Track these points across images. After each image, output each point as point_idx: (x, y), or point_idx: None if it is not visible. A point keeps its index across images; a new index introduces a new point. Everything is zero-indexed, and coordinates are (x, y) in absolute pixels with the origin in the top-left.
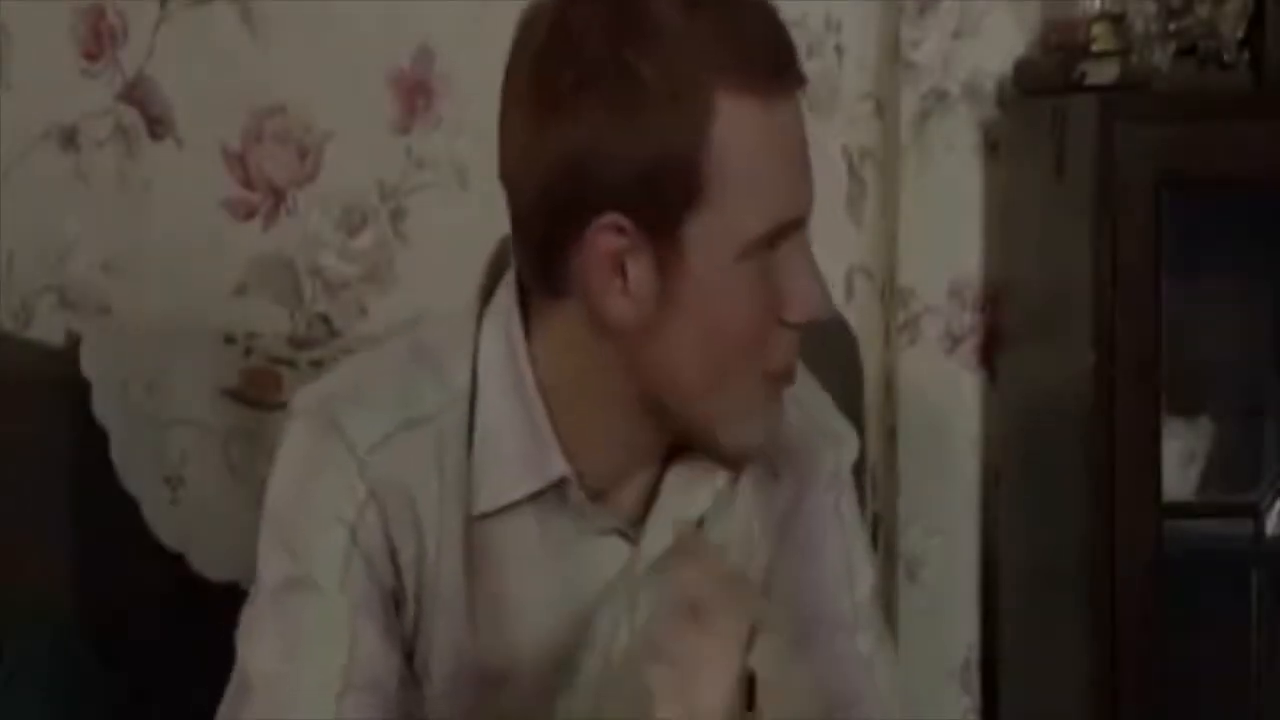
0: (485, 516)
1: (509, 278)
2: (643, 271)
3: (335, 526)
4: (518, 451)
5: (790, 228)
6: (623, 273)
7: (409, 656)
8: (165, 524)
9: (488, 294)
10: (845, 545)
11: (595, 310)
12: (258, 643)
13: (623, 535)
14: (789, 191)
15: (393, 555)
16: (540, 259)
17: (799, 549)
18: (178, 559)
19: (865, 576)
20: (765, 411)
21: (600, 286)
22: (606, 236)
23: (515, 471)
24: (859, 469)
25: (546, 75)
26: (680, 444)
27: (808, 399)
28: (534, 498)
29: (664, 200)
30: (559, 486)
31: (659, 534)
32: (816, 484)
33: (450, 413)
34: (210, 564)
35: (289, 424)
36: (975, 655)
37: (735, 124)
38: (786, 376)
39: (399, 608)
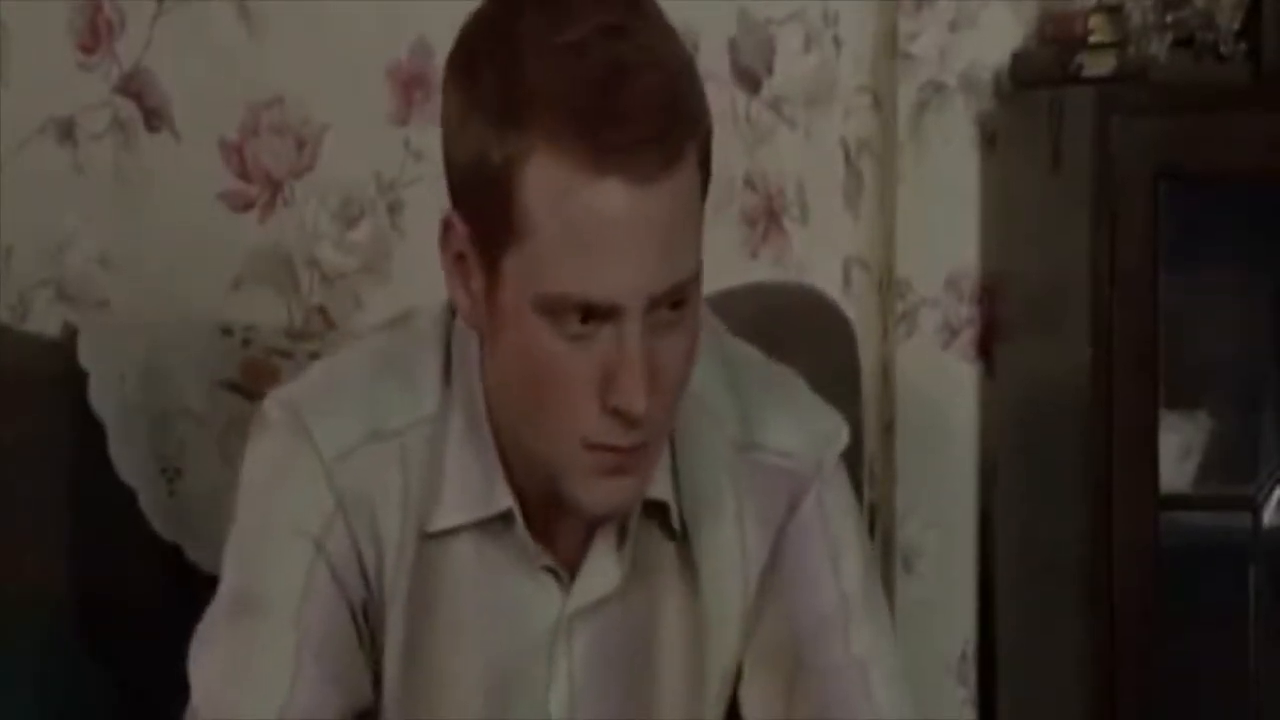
0: (433, 537)
1: None
2: (475, 278)
3: (298, 543)
4: (471, 477)
5: (599, 311)
6: (466, 275)
7: (376, 673)
8: (163, 516)
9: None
10: (828, 541)
11: (452, 300)
12: (206, 657)
13: (556, 577)
14: (589, 270)
15: (361, 564)
16: None
17: (785, 566)
18: (175, 551)
19: (853, 563)
20: (600, 483)
21: (451, 276)
22: (450, 235)
23: (466, 496)
24: (855, 460)
25: (450, 55)
26: None
27: (797, 411)
28: (478, 526)
29: (486, 218)
30: (504, 518)
31: (588, 582)
32: (806, 497)
33: (417, 430)
34: (207, 556)
35: (257, 428)
36: (972, 647)
37: (541, 174)
38: (617, 454)
39: (368, 618)
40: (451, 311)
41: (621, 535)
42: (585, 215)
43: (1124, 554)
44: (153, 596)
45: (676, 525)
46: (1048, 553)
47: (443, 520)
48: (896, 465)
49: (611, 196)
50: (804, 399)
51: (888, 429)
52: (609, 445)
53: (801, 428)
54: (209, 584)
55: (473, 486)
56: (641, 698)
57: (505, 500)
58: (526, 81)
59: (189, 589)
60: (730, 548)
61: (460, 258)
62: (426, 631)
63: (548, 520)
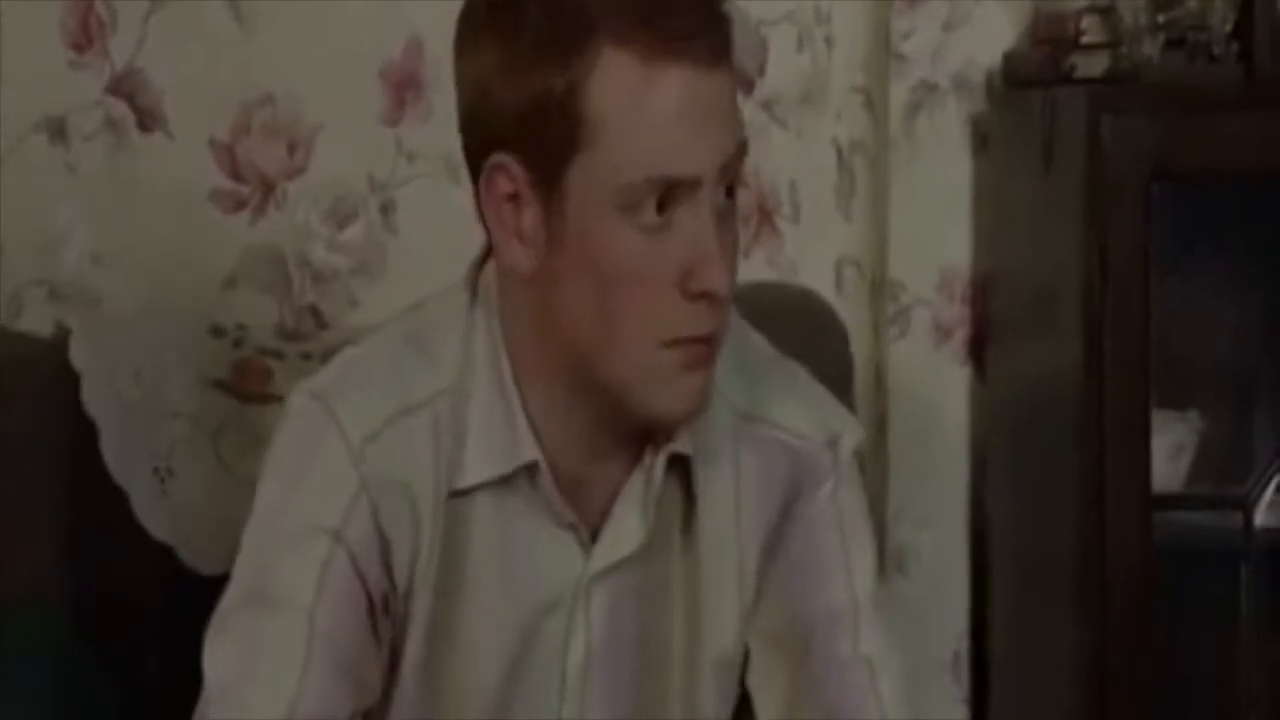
0: (457, 497)
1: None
2: (532, 215)
3: (315, 540)
4: (495, 433)
5: (680, 188)
6: (517, 217)
7: (393, 661)
8: (155, 516)
9: (475, 274)
10: (841, 535)
11: (500, 257)
12: (220, 649)
13: (577, 538)
14: (671, 148)
15: (384, 551)
16: (477, 209)
17: (793, 552)
18: (167, 551)
19: (865, 566)
20: (678, 380)
21: (498, 230)
22: (498, 178)
23: (490, 452)
24: None
25: (468, 12)
26: (640, 446)
27: (805, 398)
28: (501, 483)
29: (546, 143)
30: (528, 473)
31: (612, 542)
32: (813, 485)
33: (443, 398)
34: (200, 556)
35: (285, 417)
36: (965, 647)
37: (614, 75)
38: (695, 345)
39: (388, 608)
40: (472, 284)
41: (645, 495)
42: (659, 102)
43: (1116, 554)
44: (145, 596)
45: (696, 484)
46: (1040, 552)
47: (468, 478)
48: (889, 466)
49: (681, 81)
50: (813, 389)
51: (880, 429)
52: (690, 337)
53: (808, 412)
54: (201, 584)
55: (497, 442)
56: (654, 662)
57: (531, 452)
58: (576, 2)
59: (181, 589)
60: (726, 514)
61: (511, 199)
62: (452, 598)
63: (572, 480)
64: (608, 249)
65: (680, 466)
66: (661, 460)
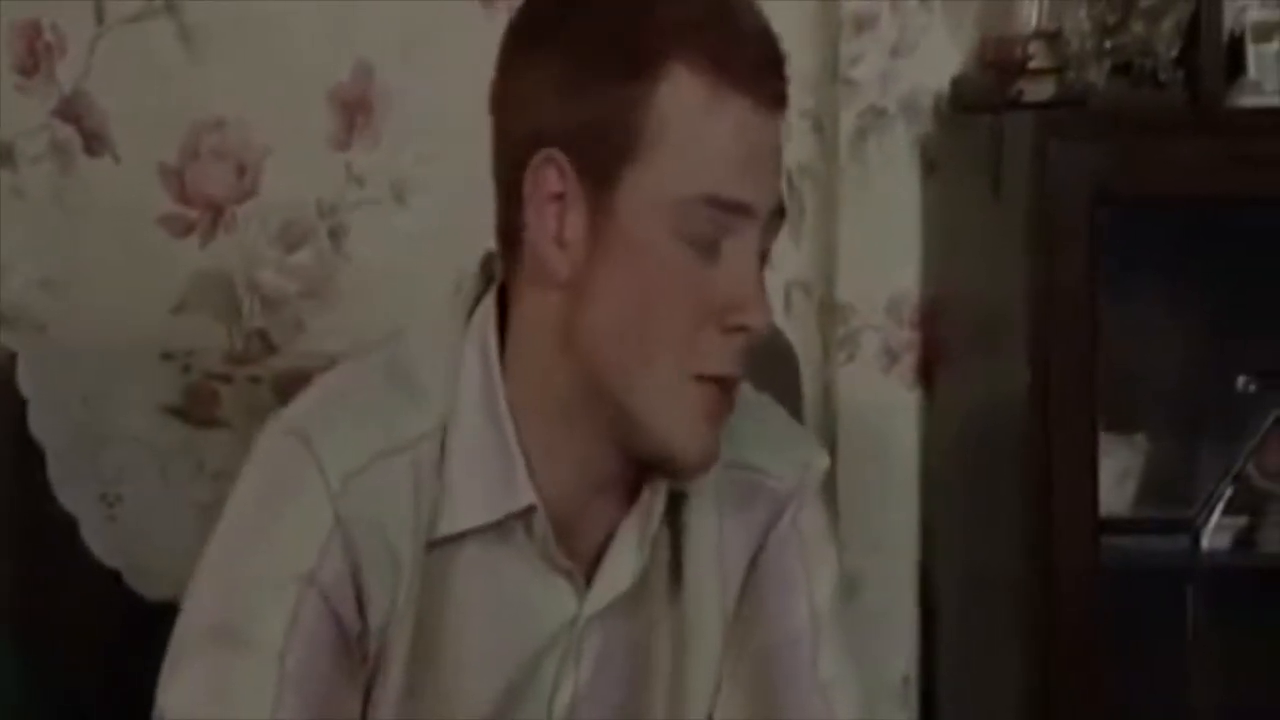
0: (439, 545)
1: (491, 292)
2: (577, 220)
3: (288, 584)
4: (487, 475)
5: (730, 215)
6: (560, 219)
7: (368, 701)
8: (102, 541)
9: (471, 306)
10: (804, 558)
11: (534, 259)
12: (184, 682)
13: (570, 581)
14: (727, 170)
15: (359, 591)
16: (501, 207)
17: (761, 585)
18: (115, 576)
19: (824, 583)
20: (698, 426)
21: (539, 230)
22: (548, 172)
23: (481, 496)
24: None
25: (521, 26)
26: (635, 487)
27: (780, 437)
28: (490, 529)
29: (602, 151)
30: (522, 517)
31: (608, 581)
32: (783, 517)
33: (427, 442)
34: (147, 582)
35: (256, 452)
36: (914, 672)
37: (682, 90)
38: (720, 385)
39: (364, 649)
40: (468, 310)
41: (643, 534)
42: (721, 124)
43: (1064, 577)
44: (92, 621)
45: (686, 518)
46: (989, 576)
47: (454, 524)
48: (837, 490)
49: (744, 113)
50: (784, 424)
51: (829, 453)
52: (719, 374)
53: (780, 450)
54: (148, 609)
55: (489, 483)
56: (637, 703)
57: (527, 495)
58: (655, 19)
59: (128, 614)
60: (709, 555)
61: (557, 199)
62: (433, 645)
63: (565, 521)
64: (657, 267)
65: (671, 505)
66: (661, 498)
